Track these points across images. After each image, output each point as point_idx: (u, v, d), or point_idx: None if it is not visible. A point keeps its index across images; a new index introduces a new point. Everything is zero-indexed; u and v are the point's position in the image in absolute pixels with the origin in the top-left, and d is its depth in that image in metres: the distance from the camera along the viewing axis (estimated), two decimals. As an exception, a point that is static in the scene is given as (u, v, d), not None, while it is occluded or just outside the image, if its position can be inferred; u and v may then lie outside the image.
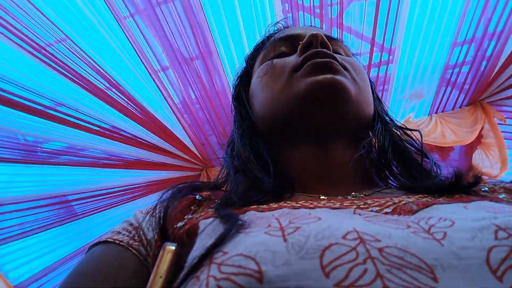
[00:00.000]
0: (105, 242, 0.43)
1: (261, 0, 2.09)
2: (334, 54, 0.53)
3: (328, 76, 0.49)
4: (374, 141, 0.56)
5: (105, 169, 2.94)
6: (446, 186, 0.45)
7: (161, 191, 0.47)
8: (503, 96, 2.95)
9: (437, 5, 2.23)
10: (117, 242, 0.42)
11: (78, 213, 2.98)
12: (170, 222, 0.41)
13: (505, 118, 3.06)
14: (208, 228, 0.36)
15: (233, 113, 0.66)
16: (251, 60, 0.67)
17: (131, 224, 0.46)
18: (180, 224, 0.40)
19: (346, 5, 2.15)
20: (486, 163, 3.41)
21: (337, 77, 0.49)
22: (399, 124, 0.61)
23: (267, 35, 0.68)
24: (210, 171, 3.09)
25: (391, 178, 0.55)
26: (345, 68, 0.52)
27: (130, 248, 0.41)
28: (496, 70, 2.69)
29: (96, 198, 2.98)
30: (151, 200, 0.48)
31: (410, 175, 0.52)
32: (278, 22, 0.71)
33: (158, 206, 0.45)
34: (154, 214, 0.45)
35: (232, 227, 0.33)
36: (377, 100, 0.64)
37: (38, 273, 3.03)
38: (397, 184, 0.53)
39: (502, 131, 3.10)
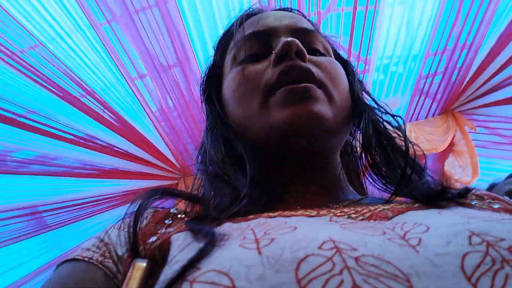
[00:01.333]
0: (73, 259, 0.41)
1: (241, 7, 2.10)
2: (310, 67, 0.50)
3: (305, 107, 0.47)
4: (355, 148, 0.56)
5: (79, 179, 2.85)
6: (438, 195, 0.44)
7: (132, 202, 0.43)
8: (473, 106, 3.06)
9: (411, 17, 2.30)
10: (86, 259, 0.40)
11: (50, 224, 2.88)
12: (142, 237, 0.40)
13: (476, 126, 3.18)
14: (181, 244, 0.35)
15: (204, 113, 0.62)
16: (221, 51, 0.63)
17: (101, 240, 0.43)
18: (152, 239, 0.39)
19: (323, 15, 2.19)
20: (458, 170, 3.52)
21: (314, 108, 0.47)
22: (382, 107, 0.58)
23: (237, 21, 0.61)
24: (188, 179, 3.05)
25: (374, 183, 0.54)
26: (321, 84, 0.50)
27: (99, 265, 0.39)
28: (466, 80, 2.80)
29: (68, 209, 2.88)
30: (127, 210, 0.45)
31: (394, 175, 0.50)
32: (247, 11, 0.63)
33: (130, 220, 0.42)
34: (125, 229, 0.43)
35: (208, 244, 0.31)
36: (358, 82, 0.61)
37: (8, 286, 2.90)
38: (380, 188, 0.53)
39: (472, 139, 3.21)
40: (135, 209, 0.42)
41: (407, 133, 2.69)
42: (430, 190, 0.45)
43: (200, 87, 0.65)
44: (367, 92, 0.62)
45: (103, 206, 3.04)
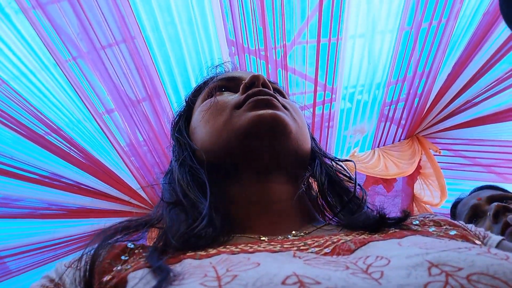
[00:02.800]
0: None
1: (208, 42, 2.14)
2: (275, 94, 0.55)
3: (269, 111, 0.50)
4: (311, 179, 0.58)
5: (45, 220, 2.72)
6: (377, 223, 0.46)
7: (92, 240, 0.42)
8: (436, 130, 3.20)
9: (372, 48, 2.42)
10: None
11: (13, 270, 2.70)
12: (97, 276, 0.38)
13: (440, 149, 3.30)
14: (139, 284, 0.33)
15: (172, 146, 0.64)
16: (192, 99, 0.67)
17: (51, 280, 0.41)
18: (107, 277, 0.37)
19: (289, 48, 2.27)
20: (427, 192, 3.62)
21: (278, 112, 0.51)
22: (331, 156, 0.64)
23: (209, 76, 0.69)
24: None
25: (330, 214, 0.56)
26: (285, 107, 0.55)
27: None
28: (427, 106, 2.93)
29: (33, 253, 2.72)
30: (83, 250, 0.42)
31: (346, 209, 0.54)
32: (219, 65, 0.72)
33: (84, 258, 0.40)
34: (79, 267, 0.40)
35: (161, 284, 0.30)
36: (312, 139, 0.66)
37: None
38: (335, 221, 0.54)
39: (438, 162, 3.32)
40: (92, 248, 0.41)
41: (375, 159, 2.77)
42: (370, 219, 0.48)
43: (171, 124, 0.68)
44: (319, 147, 0.67)
45: (72, 248, 2.89)
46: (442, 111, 2.97)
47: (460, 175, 3.53)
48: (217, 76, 0.67)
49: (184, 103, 0.70)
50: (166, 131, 2.51)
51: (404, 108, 2.92)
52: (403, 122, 3.08)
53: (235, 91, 0.60)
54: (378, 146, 3.26)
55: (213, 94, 0.60)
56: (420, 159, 3.40)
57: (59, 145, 2.30)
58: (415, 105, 2.90)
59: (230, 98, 0.56)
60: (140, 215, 2.72)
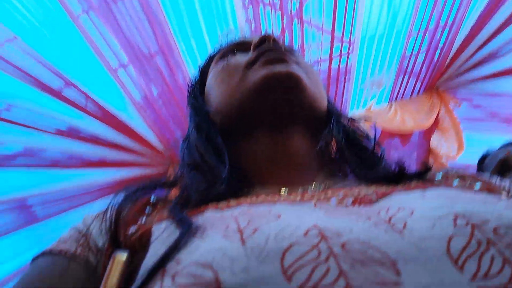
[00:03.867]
0: (50, 253, 0.40)
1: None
2: (287, 52, 0.54)
3: (283, 66, 0.50)
4: (330, 135, 0.58)
5: (67, 169, 2.83)
6: (396, 176, 0.46)
7: (114, 193, 0.44)
8: (456, 83, 3.09)
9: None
10: (63, 252, 0.39)
11: (40, 217, 2.87)
12: (122, 228, 0.39)
13: (459, 102, 3.21)
14: (162, 234, 0.34)
15: (189, 112, 0.66)
16: (206, 65, 0.67)
17: (79, 232, 0.43)
18: (132, 229, 0.38)
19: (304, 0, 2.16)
20: (444, 145, 3.58)
21: (291, 67, 0.50)
22: (348, 117, 0.63)
23: (220, 46, 0.68)
24: (177, 167, 3.05)
25: (349, 169, 0.56)
26: (298, 64, 0.54)
27: (77, 258, 0.39)
28: (449, 58, 2.81)
29: (58, 201, 2.87)
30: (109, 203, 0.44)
31: (365, 165, 0.53)
32: (232, 32, 0.72)
33: (110, 210, 0.42)
34: (105, 219, 0.42)
35: (184, 235, 0.31)
36: (328, 101, 0.65)
37: (1, 280, 2.91)
38: (355, 175, 0.54)
39: (457, 115, 3.25)
40: (117, 202, 0.43)
41: (392, 113, 2.72)
42: (389, 172, 0.48)
43: (187, 91, 0.69)
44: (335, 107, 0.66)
45: (93, 196, 3.03)
46: (463, 64, 2.84)
47: (478, 129, 3.46)
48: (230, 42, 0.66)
49: (198, 71, 0.70)
50: (180, 85, 2.50)
51: (424, 60, 2.80)
52: (422, 75, 2.97)
53: (247, 51, 0.59)
54: (395, 100, 3.19)
55: (225, 56, 0.60)
56: (438, 113, 3.32)
57: (75, 100, 2.33)
58: (436, 58, 2.78)
59: (243, 58, 0.56)
60: (157, 167, 2.81)
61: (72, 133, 2.53)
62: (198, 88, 0.66)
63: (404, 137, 3.51)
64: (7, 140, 2.46)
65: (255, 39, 0.59)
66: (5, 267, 2.86)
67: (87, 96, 2.36)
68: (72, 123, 2.48)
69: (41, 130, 2.42)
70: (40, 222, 2.86)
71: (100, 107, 2.46)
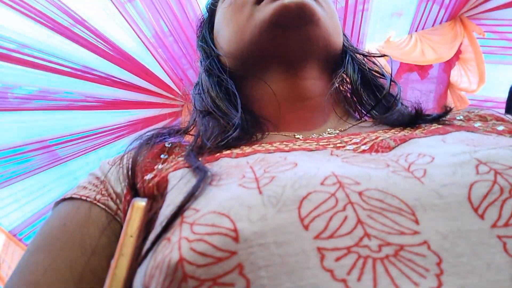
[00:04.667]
0: (71, 198, 0.41)
1: None
2: None
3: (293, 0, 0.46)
4: (345, 75, 0.55)
5: (82, 111, 2.86)
6: (412, 119, 0.44)
7: (130, 138, 0.44)
8: (482, 10, 2.91)
9: None
10: (83, 198, 0.40)
11: (62, 157, 2.96)
12: (139, 174, 0.39)
13: (484, 32, 3.05)
14: (179, 183, 0.34)
15: (200, 55, 0.62)
16: (213, 3, 0.63)
17: (97, 178, 0.43)
18: (149, 176, 0.38)
19: None
20: (464, 78, 3.46)
21: (304, 0, 0.46)
22: (364, 52, 0.59)
23: None
24: (191, 106, 3.04)
25: (364, 111, 0.54)
26: None
27: (97, 203, 0.39)
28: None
29: (78, 141, 2.94)
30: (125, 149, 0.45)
31: (381, 106, 0.52)
32: None
33: (126, 156, 0.42)
34: (121, 165, 0.42)
35: (200, 184, 0.30)
36: (344, 35, 0.61)
37: (30, 218, 3.08)
38: (371, 117, 0.53)
39: (480, 45, 3.10)
40: (132, 148, 0.43)
41: (411, 44, 2.60)
42: (404, 115, 0.46)
43: (196, 32, 0.66)
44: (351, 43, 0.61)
45: (112, 137, 3.09)
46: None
47: (502, 60, 3.31)
48: None
49: (206, 10, 0.66)
50: (191, 20, 2.41)
51: (449, -15, 2.63)
52: (446, 1, 2.79)
53: None
54: (416, 30, 3.03)
55: None
56: (461, 43, 3.17)
57: (86, 37, 2.29)
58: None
59: None
60: (172, 106, 2.81)
61: (85, 74, 2.51)
62: (207, 28, 0.62)
63: (423, 70, 3.39)
64: (22, 83, 2.47)
65: None
66: (34, 204, 3.02)
67: (96, 34, 2.30)
68: (85, 63, 2.45)
69: (54, 71, 2.41)
70: (63, 162, 2.96)
71: (111, 45, 2.41)
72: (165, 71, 2.78)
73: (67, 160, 3.01)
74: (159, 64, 2.69)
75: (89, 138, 2.98)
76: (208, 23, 0.63)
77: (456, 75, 3.53)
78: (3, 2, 1.93)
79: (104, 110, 2.91)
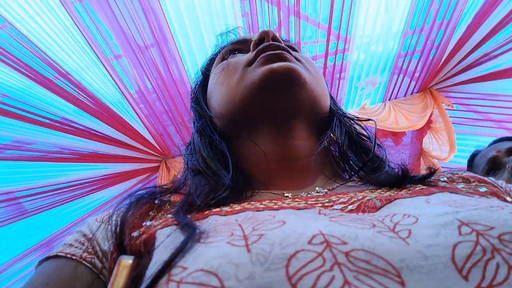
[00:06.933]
0: (56, 256, 0.40)
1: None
2: (286, 48, 0.53)
3: (281, 63, 0.49)
4: (332, 135, 0.57)
5: (57, 163, 2.79)
6: (399, 179, 0.45)
7: (118, 200, 0.44)
8: (450, 83, 3.12)
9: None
10: (69, 256, 0.39)
11: (28, 210, 2.82)
12: (127, 231, 0.39)
13: (453, 103, 3.24)
14: (167, 240, 0.33)
15: (193, 116, 0.65)
16: (207, 68, 0.67)
17: (84, 235, 0.42)
18: (136, 233, 0.38)
19: (302, -6, 2.16)
20: (435, 146, 3.61)
21: (290, 64, 0.49)
22: (351, 116, 0.62)
23: (222, 44, 0.68)
24: (170, 162, 3.03)
25: (351, 171, 0.55)
26: (298, 60, 0.53)
27: (83, 262, 0.39)
28: (443, 58, 2.83)
29: (47, 194, 2.83)
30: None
31: (367, 167, 0.53)
32: (230, 31, 0.71)
33: (115, 214, 0.42)
34: (110, 223, 0.42)
35: (188, 241, 0.30)
36: (330, 96, 0.64)
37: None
38: (358, 177, 0.54)
39: (450, 116, 3.27)
40: (121, 206, 0.43)
41: (386, 112, 2.73)
42: (392, 176, 0.47)
43: (190, 95, 0.69)
44: (338, 105, 0.65)
45: (84, 191, 3.00)
46: (458, 64, 2.87)
47: (470, 130, 3.49)
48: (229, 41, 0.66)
49: (200, 73, 0.69)
50: (175, 78, 2.48)
51: (419, 60, 2.83)
52: (417, 74, 2.99)
53: (247, 52, 0.59)
54: (389, 99, 3.21)
55: (225, 57, 0.59)
56: (431, 113, 3.35)
57: (68, 90, 2.30)
58: (431, 57, 2.80)
59: (242, 58, 0.56)
60: (150, 161, 2.77)
61: (64, 125, 2.49)
62: (200, 91, 0.66)
63: (397, 136, 3.53)
64: (-4, 132, 2.42)
65: (254, 37, 0.59)
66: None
67: (79, 87, 2.32)
68: (64, 115, 2.44)
69: (32, 122, 2.38)
70: (29, 215, 2.82)
71: (93, 98, 2.43)
72: (146, 127, 2.79)
73: (34, 214, 2.86)
74: (140, 119, 2.71)
75: (60, 191, 2.88)
76: (201, 86, 0.66)
77: (428, 143, 3.69)
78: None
79: (79, 162, 2.85)
